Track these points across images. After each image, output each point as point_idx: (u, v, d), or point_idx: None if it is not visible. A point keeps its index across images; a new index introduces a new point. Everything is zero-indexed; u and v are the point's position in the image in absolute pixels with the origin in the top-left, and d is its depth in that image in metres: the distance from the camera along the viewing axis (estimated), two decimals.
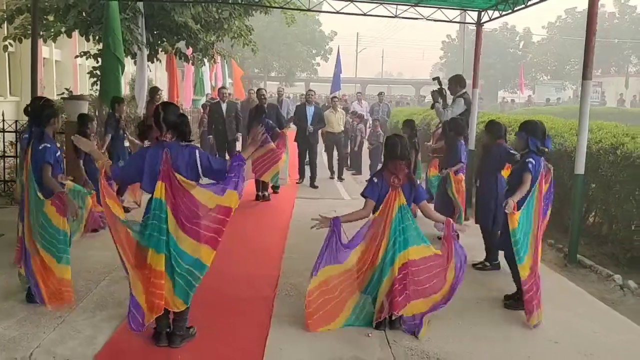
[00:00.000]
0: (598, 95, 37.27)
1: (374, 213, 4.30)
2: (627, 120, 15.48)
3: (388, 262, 4.17)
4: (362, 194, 4.38)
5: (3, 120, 8.41)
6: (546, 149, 4.80)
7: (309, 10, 9.38)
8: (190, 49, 12.91)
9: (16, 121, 8.54)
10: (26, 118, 4.85)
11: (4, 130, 8.41)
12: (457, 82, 7.81)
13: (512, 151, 5.59)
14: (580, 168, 6.09)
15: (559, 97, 38.89)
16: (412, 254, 4.21)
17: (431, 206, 5.69)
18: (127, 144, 7.71)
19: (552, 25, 52.41)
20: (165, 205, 3.79)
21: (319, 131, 11.40)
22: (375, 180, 4.33)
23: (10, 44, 11.11)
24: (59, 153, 4.63)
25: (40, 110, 4.62)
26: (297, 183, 10.73)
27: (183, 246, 3.80)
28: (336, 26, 41.64)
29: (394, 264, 4.17)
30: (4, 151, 8.51)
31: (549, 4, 7.70)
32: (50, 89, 16.55)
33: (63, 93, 9.65)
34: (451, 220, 4.41)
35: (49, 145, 4.47)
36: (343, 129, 12.33)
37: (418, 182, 4.51)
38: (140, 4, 10.32)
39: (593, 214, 7.13)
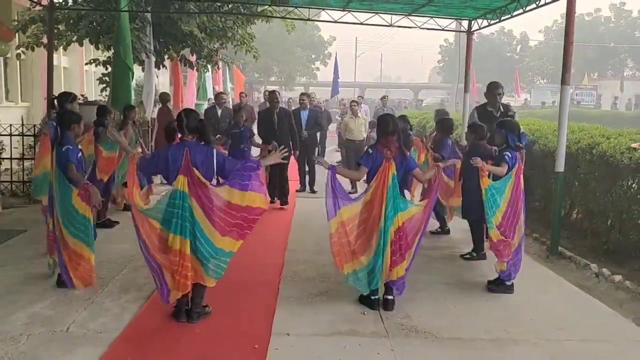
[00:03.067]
0: (593, 98, 37.81)
1: (369, 181, 4.88)
2: (620, 123, 16.00)
3: (388, 225, 4.69)
4: (358, 162, 5.02)
5: (22, 125, 8.92)
6: (521, 145, 5.39)
7: (308, 19, 9.92)
8: (194, 56, 13.46)
9: (34, 125, 9.06)
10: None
11: (22, 134, 8.92)
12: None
13: (488, 147, 6.14)
14: (560, 166, 6.60)
15: (554, 101, 39.35)
16: (403, 217, 4.77)
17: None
18: (139, 149, 8.20)
19: (549, 29, 52.98)
20: (188, 196, 4.31)
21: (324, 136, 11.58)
22: (371, 152, 4.93)
23: (23, 52, 11.63)
24: (80, 154, 5.17)
25: (62, 117, 5.20)
26: (296, 191, 10.22)
27: (207, 232, 4.33)
28: (335, 31, 42.14)
29: (392, 227, 4.70)
30: (23, 153, 9.02)
31: (544, 9, 8.17)
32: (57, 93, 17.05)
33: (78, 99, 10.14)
34: (440, 166, 5.16)
35: (70, 147, 5.01)
36: (365, 136, 11.26)
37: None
38: (149, 14, 10.86)
39: (576, 210, 7.63)
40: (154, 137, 11.64)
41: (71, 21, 11.23)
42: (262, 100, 24.91)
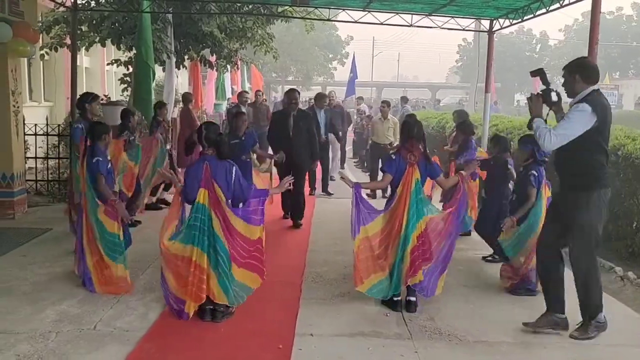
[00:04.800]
0: (615, 98, 37.25)
1: (393, 187, 4.83)
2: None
3: (410, 231, 4.67)
4: (381, 169, 4.96)
5: (47, 125, 9.05)
6: (546, 158, 5.25)
7: (328, 20, 9.92)
8: (214, 56, 13.54)
9: (59, 125, 9.19)
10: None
11: (47, 134, 9.05)
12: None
13: (510, 166, 6.03)
14: None
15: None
16: (423, 224, 4.74)
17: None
18: (168, 146, 8.26)
19: (569, 29, 52.45)
20: (209, 209, 4.40)
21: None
22: (394, 157, 4.88)
23: (46, 52, 11.79)
24: (109, 165, 5.25)
25: (92, 128, 5.28)
26: (309, 195, 9.61)
27: (227, 246, 4.42)
28: (352, 31, 42.14)
29: (414, 233, 4.68)
30: (47, 153, 9.15)
31: (565, 8, 8.08)
32: (80, 93, 17.27)
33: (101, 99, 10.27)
34: (463, 174, 5.04)
35: (101, 159, 5.11)
36: (393, 139, 10.28)
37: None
38: (169, 15, 10.96)
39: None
40: (176, 137, 11.73)
41: (94, 22, 11.38)
42: (278, 100, 25.05)
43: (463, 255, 6.51)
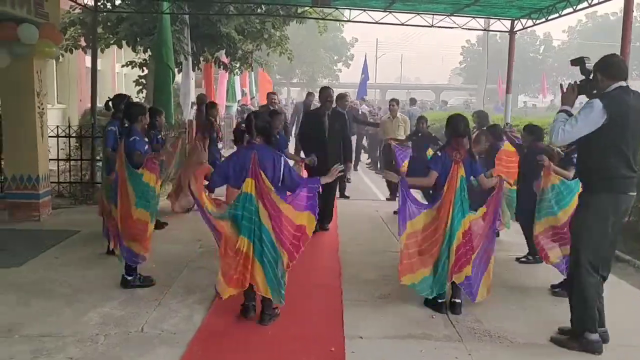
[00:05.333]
0: None
1: (439, 185, 4.76)
2: None
3: (455, 228, 4.64)
4: (427, 166, 4.89)
5: (69, 126, 9.02)
6: None
7: (349, 21, 9.89)
8: (228, 58, 13.53)
9: (80, 127, 9.16)
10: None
11: (69, 136, 9.02)
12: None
13: (545, 147, 6.05)
14: None
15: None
16: (470, 220, 4.70)
17: None
18: (220, 145, 8.21)
19: (573, 30, 52.51)
20: (256, 199, 4.31)
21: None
22: (439, 155, 4.85)
23: (62, 54, 11.76)
24: (147, 147, 5.22)
25: (128, 109, 5.31)
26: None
27: (273, 237, 4.33)
28: (357, 33, 42.20)
29: (459, 230, 4.64)
30: (69, 154, 9.12)
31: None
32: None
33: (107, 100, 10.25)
34: (502, 177, 5.05)
35: (138, 138, 5.15)
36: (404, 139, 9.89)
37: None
38: (186, 16, 10.94)
39: (629, 213, 7.47)
40: (193, 139, 11.68)
41: (108, 24, 11.37)
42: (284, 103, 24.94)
43: (496, 256, 6.45)
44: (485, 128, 7.18)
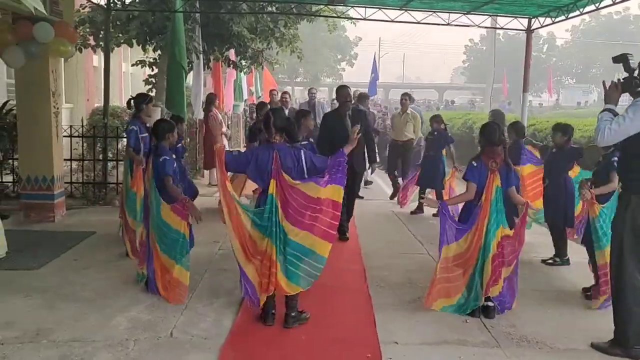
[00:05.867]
0: (627, 98, 37.12)
1: (477, 196, 4.61)
2: None
3: (490, 239, 4.52)
4: (464, 178, 4.70)
5: (82, 126, 8.91)
6: None
7: (364, 19, 9.77)
8: (238, 57, 13.41)
9: (94, 127, 9.05)
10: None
11: (83, 135, 8.91)
12: None
13: (575, 147, 5.96)
14: None
15: (586, 101, 38.87)
16: (504, 232, 4.58)
17: None
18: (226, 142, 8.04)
19: (576, 29, 52.32)
20: (276, 200, 4.24)
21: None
22: (475, 165, 4.65)
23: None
24: (175, 165, 5.07)
25: (156, 127, 5.12)
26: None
27: (292, 236, 4.23)
28: (360, 32, 42.04)
29: (494, 241, 4.52)
30: (83, 154, 9.01)
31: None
32: (99, 95, 17.16)
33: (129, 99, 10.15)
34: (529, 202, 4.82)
35: (167, 158, 4.93)
36: (413, 137, 9.76)
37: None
38: (197, 15, 10.82)
39: None
40: (202, 138, 11.59)
41: (117, 22, 11.24)
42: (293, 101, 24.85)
43: (522, 258, 6.32)
44: (509, 125, 7.05)
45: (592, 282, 5.18)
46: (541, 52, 51.91)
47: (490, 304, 4.64)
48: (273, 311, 4.37)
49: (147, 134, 5.93)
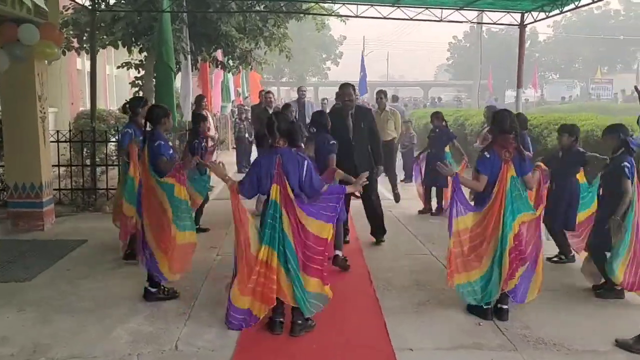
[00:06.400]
0: (610, 92, 37.49)
1: (489, 187, 4.47)
2: None
3: (507, 231, 4.38)
4: (476, 169, 4.55)
5: (70, 131, 8.66)
6: (635, 149, 4.94)
7: (356, 16, 9.63)
8: (226, 57, 13.21)
9: (82, 131, 8.80)
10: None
11: (70, 140, 8.66)
12: None
13: (582, 150, 5.84)
14: None
15: (570, 95, 39.16)
16: (519, 222, 4.43)
17: None
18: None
19: (558, 24, 52.68)
20: (280, 206, 4.11)
21: None
22: (488, 155, 4.48)
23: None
24: (171, 151, 4.91)
25: (151, 112, 4.97)
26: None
27: (294, 248, 4.14)
28: (344, 30, 41.89)
29: (510, 233, 4.39)
30: (71, 160, 8.76)
31: None
32: (83, 99, 16.85)
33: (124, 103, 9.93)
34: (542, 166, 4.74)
35: (162, 142, 4.80)
36: (396, 135, 9.56)
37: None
38: (185, 15, 10.60)
39: None
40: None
41: (102, 24, 10.98)
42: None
43: None
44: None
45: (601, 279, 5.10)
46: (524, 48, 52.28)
47: (504, 306, 4.52)
48: (281, 319, 4.21)
49: (142, 137, 5.72)
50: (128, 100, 6.10)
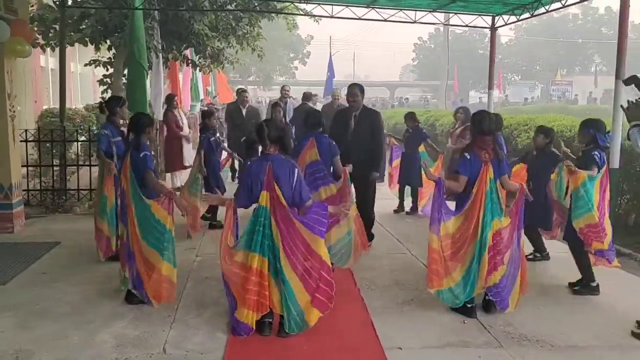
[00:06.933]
0: (570, 94, 38.53)
1: (467, 187, 4.56)
2: (601, 116, 16.22)
3: (486, 230, 4.48)
4: (456, 170, 4.64)
5: (38, 129, 8.43)
6: (608, 145, 5.15)
7: (331, 17, 9.64)
8: (197, 56, 13.06)
9: (51, 130, 8.56)
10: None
11: (39, 140, 8.43)
12: None
13: (556, 152, 5.99)
14: (615, 163, 6.54)
15: (532, 97, 40.15)
16: (499, 224, 4.55)
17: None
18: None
19: (519, 27, 53.84)
20: (269, 212, 4.11)
21: None
22: (468, 157, 4.57)
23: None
24: (154, 161, 4.85)
25: (136, 120, 4.86)
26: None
27: (286, 272, 4.13)
28: (312, 29, 41.95)
29: (489, 232, 4.49)
30: (40, 160, 8.53)
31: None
32: (46, 97, 16.43)
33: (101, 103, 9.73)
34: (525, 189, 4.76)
35: (148, 153, 4.73)
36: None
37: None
38: (156, 12, 10.44)
39: (621, 207, 7.57)
40: (163, 140, 11.19)
41: (69, 21, 10.72)
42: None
43: None
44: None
45: (575, 275, 5.25)
46: (487, 49, 53.21)
47: (492, 298, 4.61)
48: (270, 320, 4.20)
49: (120, 138, 5.65)
50: (105, 99, 5.97)
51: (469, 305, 4.59)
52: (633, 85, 4.26)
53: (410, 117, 8.59)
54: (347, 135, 6.30)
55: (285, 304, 4.11)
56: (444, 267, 4.58)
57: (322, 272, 4.20)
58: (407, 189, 8.71)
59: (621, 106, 4.27)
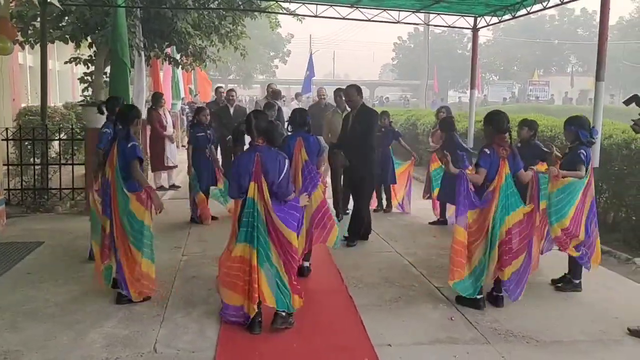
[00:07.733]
0: (547, 94, 39.12)
1: (488, 182, 4.72)
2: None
3: (497, 227, 4.64)
4: (476, 163, 4.81)
5: (20, 128, 8.31)
6: (593, 140, 5.27)
7: (315, 16, 9.67)
8: (179, 54, 13.00)
9: (33, 128, 8.45)
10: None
11: (20, 139, 8.31)
12: None
13: (544, 148, 6.10)
14: (594, 162, 6.67)
15: (510, 97, 40.69)
16: (514, 218, 4.70)
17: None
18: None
19: (497, 27, 54.49)
20: (257, 204, 4.12)
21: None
22: (488, 152, 4.75)
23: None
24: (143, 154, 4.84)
25: (127, 111, 4.89)
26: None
27: (272, 250, 4.18)
28: (293, 28, 41.93)
29: (502, 227, 4.65)
30: (21, 159, 8.41)
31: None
32: (25, 95, 16.15)
33: (83, 100, 9.63)
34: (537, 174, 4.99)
35: (136, 144, 4.75)
36: None
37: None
38: (138, 10, 10.36)
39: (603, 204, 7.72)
40: (147, 139, 11.12)
41: (49, 18, 10.57)
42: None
43: None
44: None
45: (559, 273, 5.37)
46: (466, 49, 53.74)
47: (499, 294, 4.78)
48: (260, 319, 4.21)
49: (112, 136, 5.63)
50: (103, 101, 5.97)
51: (477, 297, 4.72)
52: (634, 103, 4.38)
53: (383, 115, 8.60)
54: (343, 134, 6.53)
55: (272, 286, 4.15)
56: (464, 259, 4.73)
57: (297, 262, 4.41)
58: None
59: (632, 120, 4.42)
